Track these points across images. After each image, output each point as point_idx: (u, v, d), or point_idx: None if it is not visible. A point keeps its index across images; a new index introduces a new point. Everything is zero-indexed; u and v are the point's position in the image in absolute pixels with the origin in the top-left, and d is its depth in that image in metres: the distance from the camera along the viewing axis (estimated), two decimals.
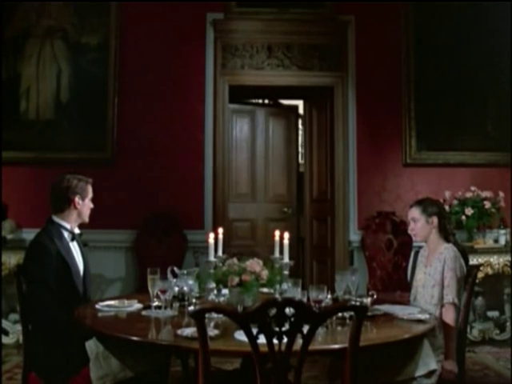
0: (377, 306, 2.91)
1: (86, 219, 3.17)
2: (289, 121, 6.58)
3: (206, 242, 3.10)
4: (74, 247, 3.10)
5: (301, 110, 6.78)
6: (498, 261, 4.96)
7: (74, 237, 3.10)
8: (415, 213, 3.17)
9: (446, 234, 3.15)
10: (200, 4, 5.35)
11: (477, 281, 3.40)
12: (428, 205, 3.17)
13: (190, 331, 2.33)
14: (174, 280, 2.90)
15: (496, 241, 5.20)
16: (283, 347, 1.98)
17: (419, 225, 3.16)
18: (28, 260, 2.95)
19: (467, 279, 3.09)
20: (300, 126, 7.03)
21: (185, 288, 2.88)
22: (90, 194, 3.16)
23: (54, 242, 2.95)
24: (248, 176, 6.34)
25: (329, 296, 2.77)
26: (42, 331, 2.86)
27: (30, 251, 2.96)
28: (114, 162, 5.25)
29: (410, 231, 3.27)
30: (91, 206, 3.17)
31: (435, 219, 3.14)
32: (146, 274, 2.82)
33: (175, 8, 5.33)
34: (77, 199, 3.07)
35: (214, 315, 2.61)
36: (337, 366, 2.84)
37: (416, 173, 5.45)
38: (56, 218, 3.06)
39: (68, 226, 3.07)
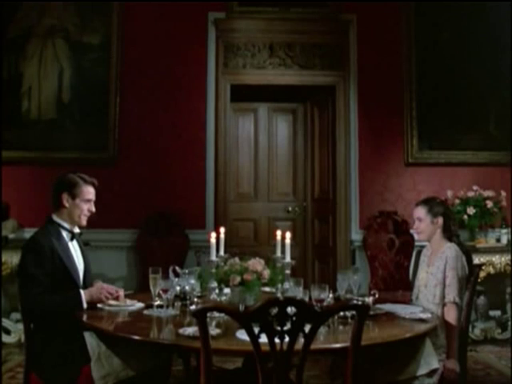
0: (378, 305, 2.90)
1: (81, 222, 2.98)
2: (293, 117, 6.37)
3: (208, 241, 3.09)
4: (74, 247, 3.02)
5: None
6: (499, 260, 4.96)
7: (73, 236, 3.01)
8: (421, 212, 3.16)
9: (449, 235, 3.14)
10: (202, 3, 5.35)
11: (479, 280, 3.41)
12: (434, 205, 3.16)
13: (191, 330, 2.33)
14: (176, 279, 2.90)
15: (498, 240, 5.20)
16: (285, 346, 1.98)
17: (424, 224, 3.15)
18: (22, 257, 2.88)
19: (469, 278, 3.09)
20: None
21: (186, 287, 2.89)
22: (86, 196, 2.96)
23: (51, 240, 2.87)
24: (250, 175, 6.30)
25: (330, 295, 2.77)
26: (39, 325, 2.84)
27: (23, 248, 2.90)
28: (116, 161, 5.25)
29: (414, 229, 3.26)
30: (91, 208, 2.99)
31: (440, 219, 3.13)
32: (148, 273, 2.81)
33: (177, 7, 5.33)
34: (66, 197, 2.93)
35: (216, 314, 2.61)
36: (338, 365, 2.84)
37: (418, 172, 5.45)
38: (54, 217, 2.98)
39: (66, 226, 2.98)
